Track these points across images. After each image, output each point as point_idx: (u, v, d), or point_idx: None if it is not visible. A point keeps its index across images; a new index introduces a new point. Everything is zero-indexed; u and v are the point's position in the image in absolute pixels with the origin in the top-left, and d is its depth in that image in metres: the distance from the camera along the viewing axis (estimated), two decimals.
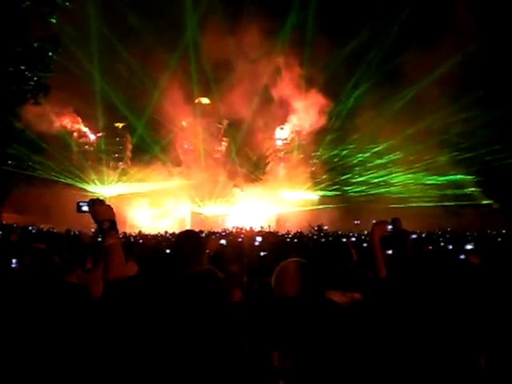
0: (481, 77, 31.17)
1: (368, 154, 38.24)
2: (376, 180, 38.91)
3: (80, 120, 40.68)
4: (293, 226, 29.32)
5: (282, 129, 42.82)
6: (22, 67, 21.75)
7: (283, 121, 41.78)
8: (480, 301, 2.40)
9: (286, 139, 43.23)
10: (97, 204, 2.60)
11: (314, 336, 2.15)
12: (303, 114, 39.42)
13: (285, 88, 38.00)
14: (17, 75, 21.81)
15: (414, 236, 7.17)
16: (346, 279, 2.53)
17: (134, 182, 39.31)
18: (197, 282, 1.98)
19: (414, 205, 33.95)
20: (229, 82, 36.10)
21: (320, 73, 35.44)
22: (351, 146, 39.32)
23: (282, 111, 40.49)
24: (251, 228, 17.04)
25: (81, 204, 2.65)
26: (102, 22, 31.56)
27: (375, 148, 37.26)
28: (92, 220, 2.59)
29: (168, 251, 5.05)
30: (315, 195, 40.89)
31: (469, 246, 5.41)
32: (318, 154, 40.88)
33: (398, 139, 34.40)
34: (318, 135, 39.33)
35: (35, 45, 21.79)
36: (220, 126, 42.45)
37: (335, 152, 40.42)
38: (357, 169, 39.94)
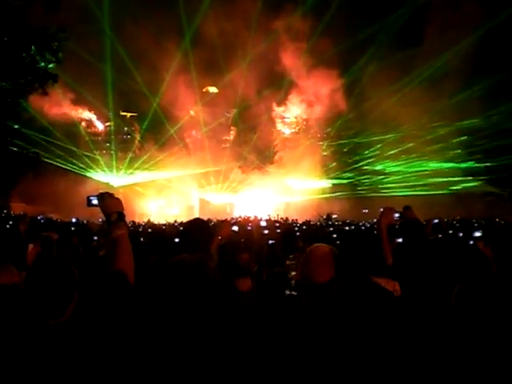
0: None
1: (379, 146, 37.87)
2: (387, 170, 38.75)
3: (88, 109, 40.69)
4: (301, 214, 29.26)
5: (284, 122, 42.65)
6: (32, 52, 21.72)
7: (291, 108, 41.57)
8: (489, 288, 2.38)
9: (294, 128, 43.07)
10: (106, 197, 2.70)
11: (365, 325, 1.99)
12: (312, 99, 39.21)
13: (293, 71, 37.74)
14: (23, 63, 21.78)
15: (436, 221, 7.05)
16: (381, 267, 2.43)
17: (142, 171, 39.40)
18: (184, 270, 2.01)
19: (421, 193, 33.76)
20: (237, 68, 36.12)
21: (332, 56, 34.67)
22: (355, 138, 39.08)
23: (291, 97, 40.39)
24: (256, 217, 17.07)
25: (90, 198, 2.79)
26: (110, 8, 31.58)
27: (386, 136, 36.89)
28: (101, 212, 2.69)
29: (177, 240, 5.10)
30: (326, 184, 40.80)
31: (477, 234, 5.37)
32: (327, 142, 40.73)
33: (410, 127, 34.01)
34: (328, 122, 39.02)
35: (38, 35, 21.71)
36: (228, 114, 42.35)
37: (344, 141, 40.22)
38: (366, 162, 39.71)
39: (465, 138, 34.74)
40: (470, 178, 36.62)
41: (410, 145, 35.48)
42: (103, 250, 6.13)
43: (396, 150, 36.79)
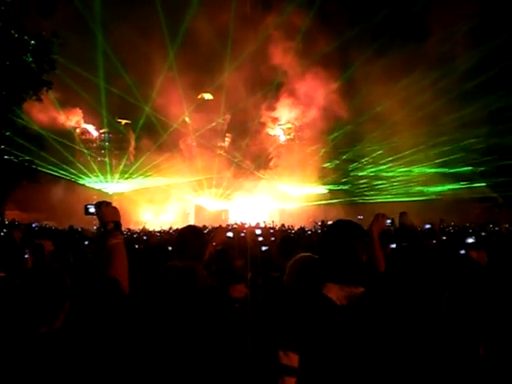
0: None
1: (376, 154, 37.74)
2: (383, 175, 38.68)
3: (83, 116, 40.64)
4: (296, 221, 29.24)
5: (279, 125, 42.71)
6: (29, 59, 21.74)
7: (286, 113, 41.61)
8: (482, 296, 2.39)
9: (289, 134, 43.11)
10: (103, 206, 2.74)
11: (310, 333, 2.08)
12: (307, 105, 39.20)
13: (289, 76, 37.73)
14: (18, 71, 21.77)
15: (428, 226, 7.03)
16: (350, 271, 2.37)
17: (137, 178, 39.34)
18: (172, 277, 2.04)
19: (416, 199, 33.64)
20: (231, 75, 36.07)
21: (329, 60, 34.39)
22: (353, 146, 39.04)
23: (286, 103, 40.41)
24: (257, 223, 17.16)
25: (88, 206, 2.83)
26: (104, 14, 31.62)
27: (382, 146, 36.71)
28: (98, 221, 2.74)
29: (170, 248, 5.09)
30: (321, 190, 40.74)
31: (470, 240, 5.34)
32: (323, 149, 40.64)
33: (408, 134, 33.73)
34: (324, 129, 38.83)
35: (32, 42, 21.74)
36: (222, 121, 42.37)
37: (341, 150, 40.13)
38: (362, 168, 39.68)
39: (463, 143, 34.43)
40: (466, 182, 36.47)
41: (407, 152, 35.26)
42: (90, 253, 6.17)
43: (393, 157, 36.68)
